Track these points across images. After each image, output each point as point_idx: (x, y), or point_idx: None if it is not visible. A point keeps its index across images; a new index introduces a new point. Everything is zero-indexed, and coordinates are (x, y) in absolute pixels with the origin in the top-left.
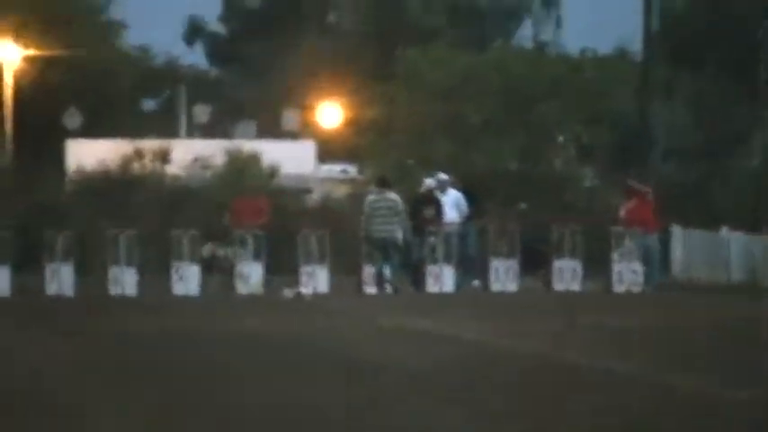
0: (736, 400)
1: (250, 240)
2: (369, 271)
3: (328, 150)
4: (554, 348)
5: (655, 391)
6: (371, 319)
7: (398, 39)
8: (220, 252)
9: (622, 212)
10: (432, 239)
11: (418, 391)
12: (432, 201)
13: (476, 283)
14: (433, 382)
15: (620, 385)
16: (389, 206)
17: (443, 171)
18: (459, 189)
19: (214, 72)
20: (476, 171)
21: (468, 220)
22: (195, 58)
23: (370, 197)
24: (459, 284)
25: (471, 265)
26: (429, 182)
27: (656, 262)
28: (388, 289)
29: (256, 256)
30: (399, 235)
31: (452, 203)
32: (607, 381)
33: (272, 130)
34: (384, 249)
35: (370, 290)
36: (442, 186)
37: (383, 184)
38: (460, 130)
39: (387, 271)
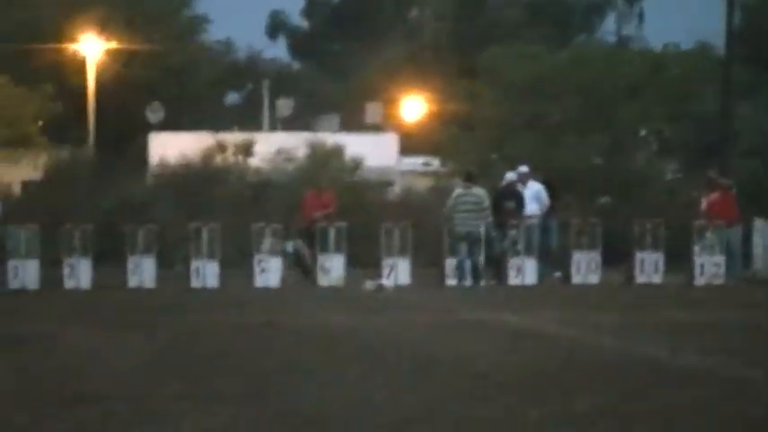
0: None
1: (332, 233)
2: (451, 264)
3: (411, 143)
4: (636, 342)
5: (739, 386)
6: (453, 313)
7: (480, 36)
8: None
9: (704, 205)
10: (513, 232)
11: (501, 387)
12: (513, 194)
13: (557, 274)
14: (516, 378)
15: (701, 380)
16: (475, 201)
17: (525, 164)
18: (539, 182)
19: (296, 66)
20: (558, 166)
21: (549, 212)
22: (278, 52)
23: (457, 191)
24: (540, 277)
25: (552, 258)
26: (510, 175)
27: (738, 255)
28: (469, 282)
29: (338, 249)
30: (482, 230)
31: (533, 196)
32: (688, 375)
33: (354, 123)
34: (467, 243)
35: (452, 282)
36: (523, 179)
37: (469, 178)
38: (543, 126)
39: (468, 264)
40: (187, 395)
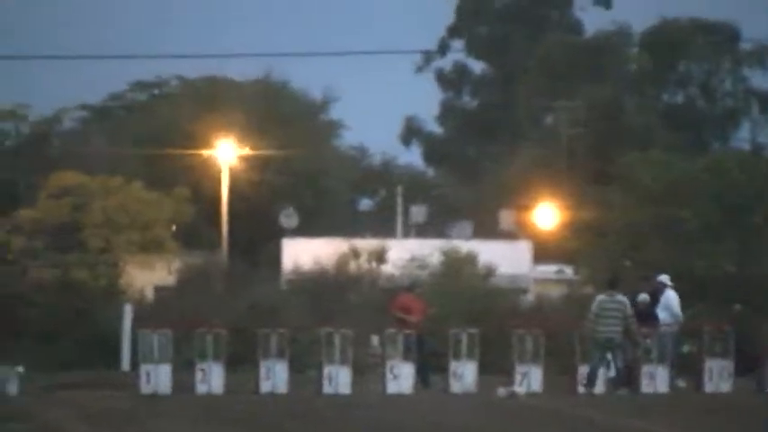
0: None
1: (464, 338)
2: (583, 371)
3: (544, 251)
4: None
5: None
6: (588, 420)
7: (614, 142)
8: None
9: None
10: (646, 340)
11: None
12: (647, 315)
13: (680, 382)
14: None
15: None
16: (618, 308)
17: (662, 273)
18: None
19: (430, 172)
20: (693, 273)
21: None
22: (411, 158)
23: (600, 297)
24: (671, 385)
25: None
26: (643, 297)
27: None
28: (601, 389)
29: (470, 355)
30: (622, 337)
31: (663, 305)
32: None
33: (487, 230)
34: (608, 349)
35: (584, 390)
36: (659, 288)
37: (613, 285)
38: (676, 233)
39: (607, 372)
40: None
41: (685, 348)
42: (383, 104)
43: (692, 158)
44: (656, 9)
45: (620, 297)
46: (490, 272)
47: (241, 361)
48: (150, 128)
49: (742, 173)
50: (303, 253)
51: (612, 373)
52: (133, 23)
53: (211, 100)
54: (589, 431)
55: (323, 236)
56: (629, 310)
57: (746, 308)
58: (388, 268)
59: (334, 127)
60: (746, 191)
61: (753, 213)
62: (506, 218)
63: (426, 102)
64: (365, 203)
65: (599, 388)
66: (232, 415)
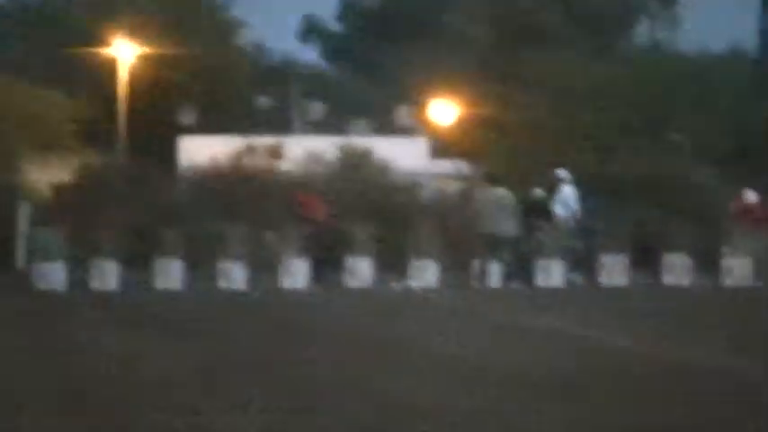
0: None
1: (359, 234)
2: (476, 265)
3: (442, 147)
4: (668, 346)
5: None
6: (483, 316)
7: (517, 41)
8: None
9: (732, 208)
10: (540, 234)
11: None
12: (541, 210)
13: (575, 277)
14: (550, 383)
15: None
16: (498, 202)
17: (562, 170)
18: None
19: (329, 70)
20: (589, 171)
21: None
22: (310, 56)
23: (483, 192)
24: (567, 279)
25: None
26: (539, 192)
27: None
28: (494, 283)
29: (366, 251)
30: (510, 230)
31: (560, 200)
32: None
33: (385, 127)
34: (493, 245)
35: (480, 285)
36: (557, 183)
37: (491, 180)
38: (579, 133)
39: (495, 266)
40: (233, 407)
41: (579, 244)
42: (282, 3)
43: (593, 59)
44: None
45: (502, 191)
46: (387, 167)
47: (138, 260)
48: (45, 29)
49: (646, 71)
50: (200, 151)
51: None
52: None
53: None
54: (481, 325)
55: (220, 134)
56: (510, 203)
57: (644, 205)
58: (285, 165)
59: (233, 25)
60: (663, 92)
61: (655, 111)
62: (404, 114)
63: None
64: (263, 101)
65: (493, 282)
66: (127, 312)
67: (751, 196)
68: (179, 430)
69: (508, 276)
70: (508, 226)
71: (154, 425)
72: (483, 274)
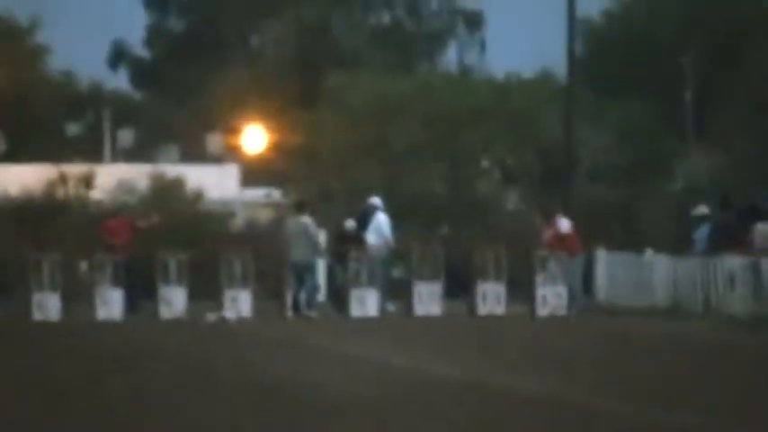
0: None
1: (172, 264)
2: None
3: (253, 174)
4: (480, 373)
5: (577, 414)
6: (293, 343)
7: (323, 63)
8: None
9: (546, 236)
10: (354, 264)
11: (344, 415)
12: (354, 239)
13: (389, 306)
14: (359, 407)
15: (543, 408)
16: (302, 230)
17: (373, 195)
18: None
19: (138, 96)
20: (402, 195)
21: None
22: (119, 82)
23: (288, 221)
24: (381, 309)
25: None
26: (350, 224)
27: (579, 285)
28: (304, 313)
29: (179, 281)
30: (312, 259)
31: (373, 228)
32: (530, 403)
33: (196, 154)
34: (298, 274)
35: (291, 314)
36: (371, 211)
37: (299, 208)
38: (386, 155)
39: (302, 295)
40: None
41: (395, 272)
42: (90, 28)
43: (400, 79)
44: None
45: (305, 219)
46: (198, 196)
47: None
48: None
49: (452, 94)
50: (11, 179)
51: (319, 297)
52: None
53: None
54: (297, 353)
55: (31, 162)
56: (312, 231)
57: (456, 230)
58: (96, 194)
59: (40, 51)
60: (456, 112)
61: (463, 135)
62: (214, 141)
63: (134, 25)
64: (73, 129)
65: (298, 311)
66: None
67: (564, 224)
68: None
69: (308, 304)
70: (309, 254)
71: None
72: (294, 302)
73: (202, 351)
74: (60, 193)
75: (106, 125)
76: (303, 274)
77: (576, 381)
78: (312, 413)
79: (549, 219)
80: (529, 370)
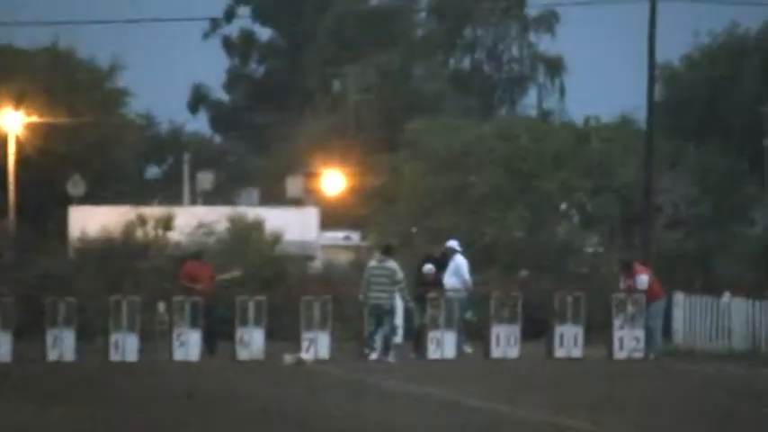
0: None
1: (251, 305)
2: (370, 337)
3: (332, 217)
4: (557, 416)
5: None
6: (373, 385)
7: (403, 108)
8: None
9: (622, 286)
10: (432, 306)
11: None
12: (433, 282)
13: (466, 348)
14: None
15: None
16: (387, 274)
17: (453, 239)
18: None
19: (218, 140)
20: (482, 240)
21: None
22: (199, 125)
23: (371, 263)
24: (458, 351)
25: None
26: (429, 268)
27: (658, 329)
28: (374, 356)
29: (257, 322)
30: (393, 303)
31: (452, 271)
32: None
33: (275, 197)
34: (377, 316)
35: (373, 357)
36: (448, 253)
37: (386, 251)
38: (465, 200)
39: (378, 337)
40: None
41: (469, 314)
42: (170, 72)
43: (480, 125)
44: None
45: (391, 263)
46: (277, 238)
47: (29, 330)
48: None
49: (531, 138)
50: (90, 221)
51: (397, 339)
52: None
53: None
54: (375, 396)
55: (110, 204)
56: (399, 276)
57: (534, 273)
58: (175, 235)
59: (121, 95)
60: (536, 157)
61: (543, 179)
62: (294, 184)
63: (214, 69)
64: (153, 171)
65: (376, 354)
66: (18, 382)
67: (642, 281)
68: None
69: (386, 348)
70: (392, 298)
71: None
72: (369, 345)
73: (280, 394)
74: (139, 234)
75: (186, 168)
76: (383, 317)
77: (651, 426)
78: None
79: (628, 270)
80: (607, 413)
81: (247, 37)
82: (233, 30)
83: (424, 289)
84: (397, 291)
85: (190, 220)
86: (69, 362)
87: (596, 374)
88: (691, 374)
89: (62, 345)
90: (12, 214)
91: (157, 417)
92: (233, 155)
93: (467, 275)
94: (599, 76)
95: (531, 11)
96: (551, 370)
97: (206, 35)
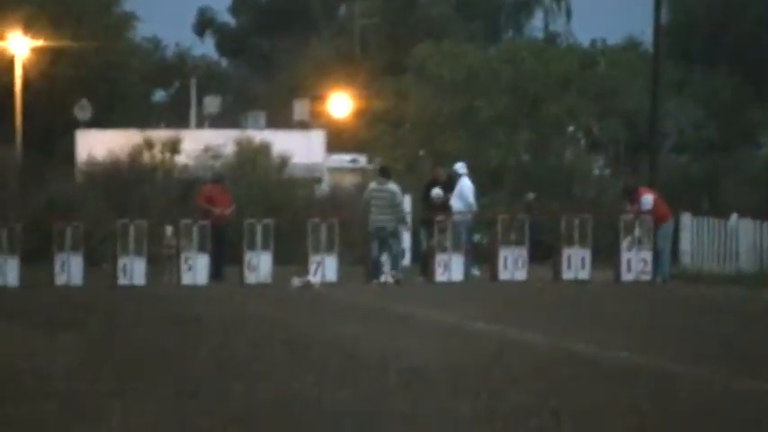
0: (743, 390)
1: (259, 229)
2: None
3: (339, 141)
4: (564, 339)
5: (667, 383)
6: (379, 309)
7: (408, 32)
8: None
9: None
10: (439, 229)
11: (431, 383)
12: (440, 206)
13: (474, 271)
14: (446, 374)
15: (631, 376)
16: (387, 197)
17: (459, 162)
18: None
19: (224, 63)
20: (489, 163)
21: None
22: (205, 49)
23: (371, 185)
24: (466, 274)
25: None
26: (437, 192)
27: (667, 251)
28: (385, 278)
29: (265, 246)
30: (397, 225)
31: (457, 194)
32: (619, 371)
33: (282, 120)
34: (381, 239)
35: (382, 279)
36: (456, 177)
37: (384, 173)
38: (471, 123)
39: (385, 260)
40: (118, 392)
41: (477, 237)
42: None
43: (485, 48)
44: None
45: (391, 185)
46: (284, 161)
47: (37, 255)
48: None
49: (537, 62)
50: (97, 145)
51: (404, 261)
52: None
53: None
54: (382, 320)
55: (117, 128)
56: (399, 199)
57: (541, 196)
58: (181, 159)
59: (127, 19)
60: (542, 81)
61: (548, 104)
62: (300, 108)
63: None
64: (160, 95)
65: (384, 277)
66: (26, 308)
67: (647, 202)
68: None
69: (394, 266)
70: (394, 220)
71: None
72: (374, 269)
73: (287, 317)
74: (146, 157)
75: (192, 92)
76: (388, 239)
77: (658, 349)
78: (395, 379)
79: (633, 195)
80: (612, 336)
81: None
82: None
83: (431, 213)
84: (395, 213)
85: (197, 144)
86: (77, 286)
87: (603, 297)
88: (697, 297)
89: (70, 269)
90: (19, 139)
91: (165, 340)
92: (239, 79)
93: (471, 198)
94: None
95: None
96: (559, 292)
97: None
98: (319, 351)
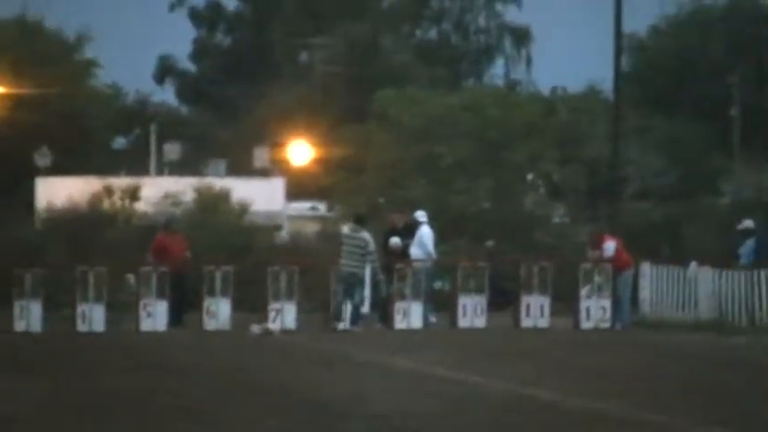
0: None
1: (218, 276)
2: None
3: (299, 188)
4: (525, 386)
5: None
6: (342, 355)
7: (370, 79)
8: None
9: (590, 257)
10: (398, 277)
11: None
12: (399, 254)
13: (431, 319)
14: (412, 420)
15: (595, 422)
16: (359, 244)
17: (419, 209)
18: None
19: (184, 110)
20: (449, 210)
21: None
22: (166, 96)
23: (344, 230)
24: (424, 321)
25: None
26: (395, 241)
27: (627, 299)
28: (343, 326)
29: (224, 292)
30: (365, 272)
31: (417, 242)
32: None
33: (242, 167)
34: (349, 284)
35: (337, 326)
36: (416, 225)
37: (359, 221)
38: (433, 170)
39: (348, 307)
40: None
41: (438, 284)
42: (137, 43)
43: (447, 95)
44: None
45: (363, 233)
46: (244, 208)
47: None
48: None
49: (499, 109)
50: (57, 192)
51: (364, 308)
52: None
53: None
54: (346, 366)
55: (77, 175)
56: (371, 247)
57: (501, 243)
58: (141, 206)
59: (88, 66)
60: (505, 128)
61: (510, 150)
62: (260, 155)
63: (181, 40)
64: (120, 142)
65: (346, 324)
66: None
67: (609, 249)
68: None
69: (354, 319)
70: (362, 267)
71: None
72: (337, 315)
73: (248, 364)
74: (106, 205)
75: (152, 139)
76: (355, 286)
77: (620, 395)
78: (359, 425)
79: (596, 241)
80: (572, 383)
81: (214, 7)
82: (199, 0)
83: (391, 260)
84: (368, 261)
85: (156, 191)
86: (36, 333)
87: (563, 345)
88: (657, 344)
89: (29, 315)
90: None
91: (125, 387)
92: (200, 126)
93: (430, 247)
94: (566, 46)
95: None
96: (518, 340)
97: (173, 6)
98: (281, 396)
